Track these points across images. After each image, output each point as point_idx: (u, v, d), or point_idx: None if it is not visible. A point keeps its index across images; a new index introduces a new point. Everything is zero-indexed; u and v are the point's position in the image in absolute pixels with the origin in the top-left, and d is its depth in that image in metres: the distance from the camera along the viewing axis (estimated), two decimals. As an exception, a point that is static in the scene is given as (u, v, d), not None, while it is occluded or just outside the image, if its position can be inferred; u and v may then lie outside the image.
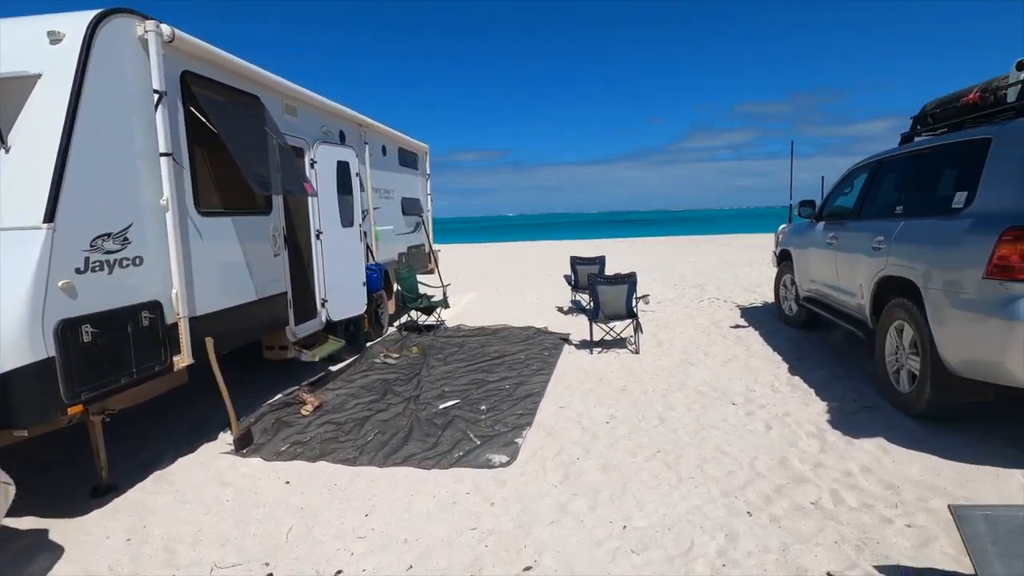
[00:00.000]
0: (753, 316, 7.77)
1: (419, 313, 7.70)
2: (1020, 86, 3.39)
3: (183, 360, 3.67)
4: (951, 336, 3.39)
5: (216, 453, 3.87)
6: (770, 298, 9.03)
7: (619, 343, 6.45)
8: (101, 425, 3.26)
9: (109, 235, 3.16)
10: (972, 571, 2.01)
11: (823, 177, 7.57)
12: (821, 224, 5.87)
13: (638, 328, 6.17)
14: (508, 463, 3.56)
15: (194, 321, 3.77)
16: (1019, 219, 2.99)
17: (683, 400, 4.55)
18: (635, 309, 6.19)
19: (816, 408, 4.24)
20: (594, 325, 6.29)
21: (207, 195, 4.08)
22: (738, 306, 8.57)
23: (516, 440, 3.91)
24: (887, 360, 4.23)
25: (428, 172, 9.71)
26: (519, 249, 23.80)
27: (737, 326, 7.22)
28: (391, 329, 7.82)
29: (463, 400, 4.79)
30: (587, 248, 22.09)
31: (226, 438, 4.06)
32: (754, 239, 24.50)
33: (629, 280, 6.03)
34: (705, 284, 10.92)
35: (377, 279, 6.72)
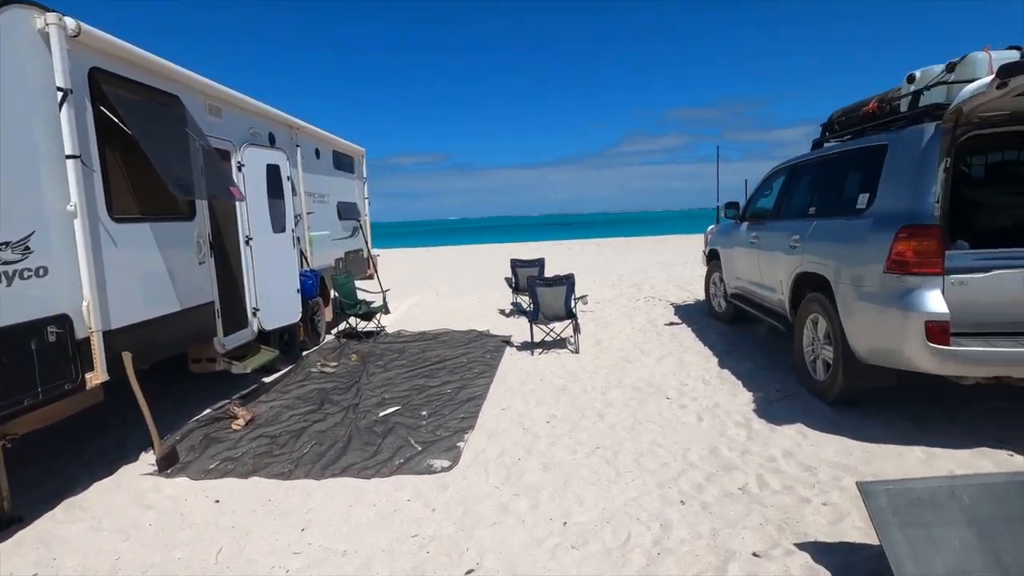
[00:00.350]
0: (686, 313, 8.10)
1: (358, 320, 7.53)
2: (911, 97, 3.73)
3: (97, 377, 3.42)
4: (858, 326, 3.67)
5: (137, 475, 3.63)
6: (702, 296, 9.45)
7: (559, 343, 6.56)
8: (1, 451, 2.98)
9: (7, 244, 2.91)
10: (878, 542, 2.19)
11: (747, 180, 8.02)
12: (745, 225, 6.20)
13: (577, 328, 6.30)
14: (450, 467, 3.55)
15: (109, 335, 3.52)
16: (912, 218, 3.28)
17: (621, 397, 4.68)
18: (574, 310, 6.31)
19: (743, 399, 4.48)
20: (534, 327, 6.37)
21: (122, 200, 3.83)
22: (672, 304, 8.91)
23: (458, 444, 3.89)
24: (805, 351, 4.52)
25: (365, 176, 9.52)
26: (461, 252, 23.73)
27: (671, 323, 7.50)
28: (329, 337, 7.60)
29: (404, 406, 4.73)
30: (528, 251, 22.33)
31: (148, 458, 3.82)
32: (686, 239, 25.56)
33: (567, 281, 6.15)
34: (641, 284, 11.29)
35: (312, 286, 6.52)
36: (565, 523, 2.86)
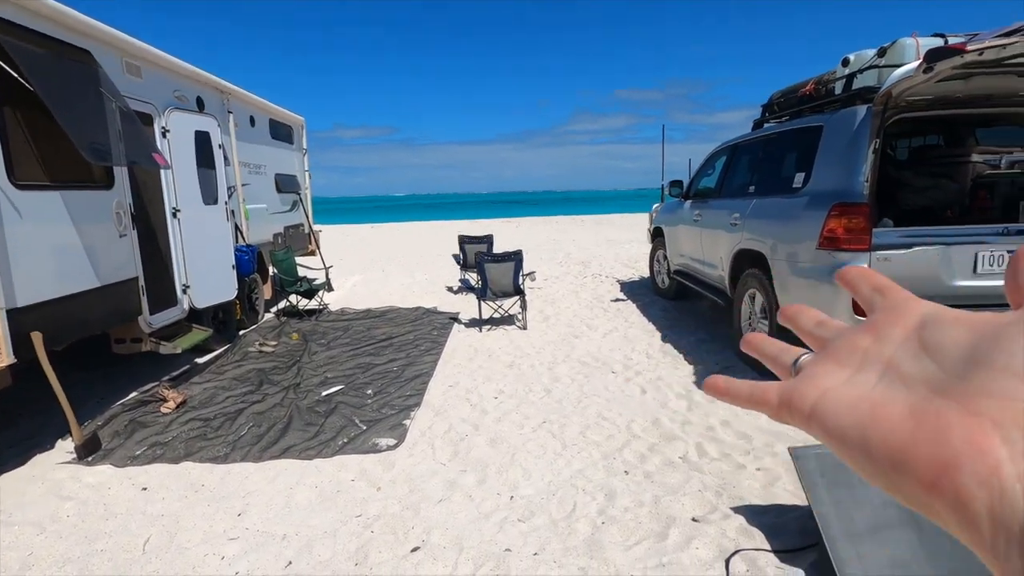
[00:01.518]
0: (632, 290, 8.27)
1: (299, 298, 7.25)
2: (845, 80, 3.86)
3: (1, 360, 3.13)
4: (792, 301, 3.83)
5: (53, 464, 3.37)
6: (647, 273, 9.67)
7: (508, 320, 6.56)
8: None
9: None
10: (807, 503, 2.31)
11: (690, 160, 8.21)
12: (688, 203, 6.35)
13: (525, 305, 6.31)
14: (396, 446, 3.49)
15: (14, 314, 3.21)
16: (843, 196, 3.43)
17: (568, 371, 4.74)
18: (522, 286, 6.31)
19: (684, 371, 4.62)
20: (483, 303, 6.33)
21: (26, 165, 3.47)
22: (619, 281, 9.07)
23: (404, 422, 3.83)
24: (742, 325, 4.70)
25: (305, 147, 9.09)
26: (409, 229, 23.27)
27: (617, 300, 7.64)
28: (268, 315, 7.29)
29: (348, 385, 4.60)
30: (477, 228, 22.15)
31: (66, 446, 3.55)
32: (633, 218, 26.08)
33: (515, 257, 6.13)
34: (589, 261, 11.44)
35: (249, 262, 6.20)
36: (512, 497, 2.87)
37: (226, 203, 5.73)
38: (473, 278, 8.70)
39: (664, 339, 5.60)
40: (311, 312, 7.24)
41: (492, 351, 5.42)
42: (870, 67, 3.68)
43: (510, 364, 5.00)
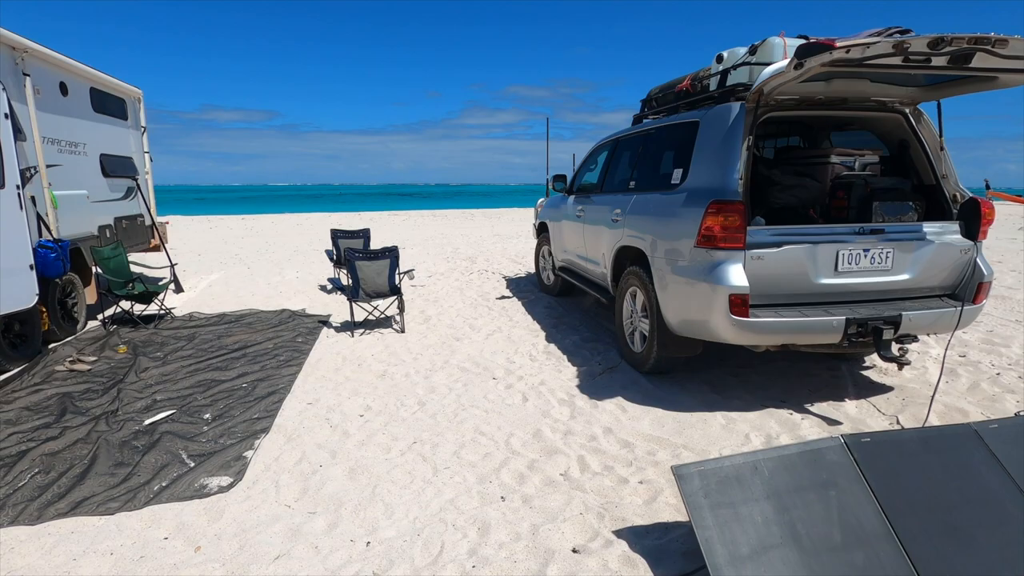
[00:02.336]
0: (517, 287, 8.06)
1: (132, 302, 6.14)
2: (720, 76, 3.83)
3: None
4: (671, 299, 3.75)
5: None
6: (533, 268, 9.56)
7: (384, 322, 6.01)
8: None
9: None
10: (689, 519, 2.11)
11: (574, 155, 8.16)
12: (572, 198, 6.21)
13: (402, 306, 5.80)
14: (231, 486, 2.87)
15: None
16: (719, 194, 3.36)
17: (445, 380, 4.34)
18: (399, 285, 5.79)
19: (568, 374, 4.43)
20: (355, 305, 5.73)
21: None
22: (505, 277, 8.84)
23: (245, 453, 3.21)
24: (624, 323, 4.60)
25: (143, 124, 7.77)
26: (286, 221, 21.47)
27: (503, 297, 7.38)
28: (94, 323, 6.09)
29: (181, 409, 3.84)
30: (360, 221, 21.02)
31: None
32: (522, 212, 26.30)
33: (390, 254, 5.60)
34: (476, 256, 11.12)
35: (57, 260, 5.06)
36: (368, 543, 2.42)
37: (19, 188, 4.59)
38: (345, 276, 7.99)
39: (548, 339, 5.40)
40: (149, 319, 6.16)
41: (363, 359, 4.87)
42: (743, 64, 3.66)
43: (382, 374, 4.49)
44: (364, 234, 7.70)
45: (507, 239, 14.34)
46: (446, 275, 9.05)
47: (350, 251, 5.46)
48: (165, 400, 4.01)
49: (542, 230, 7.57)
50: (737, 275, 3.25)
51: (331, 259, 7.74)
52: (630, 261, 4.52)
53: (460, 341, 5.39)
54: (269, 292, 7.76)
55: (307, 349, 5.14)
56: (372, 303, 5.86)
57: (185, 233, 16.71)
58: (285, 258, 11.15)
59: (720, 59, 3.95)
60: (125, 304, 6.20)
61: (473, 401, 3.91)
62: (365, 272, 5.52)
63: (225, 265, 10.28)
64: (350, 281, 5.67)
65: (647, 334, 4.17)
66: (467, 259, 10.79)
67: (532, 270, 9.41)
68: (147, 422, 3.64)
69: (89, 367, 4.74)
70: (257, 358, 4.91)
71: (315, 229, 17.84)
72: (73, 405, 3.93)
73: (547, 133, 7.92)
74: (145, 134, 7.79)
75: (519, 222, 20.45)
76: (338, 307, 6.81)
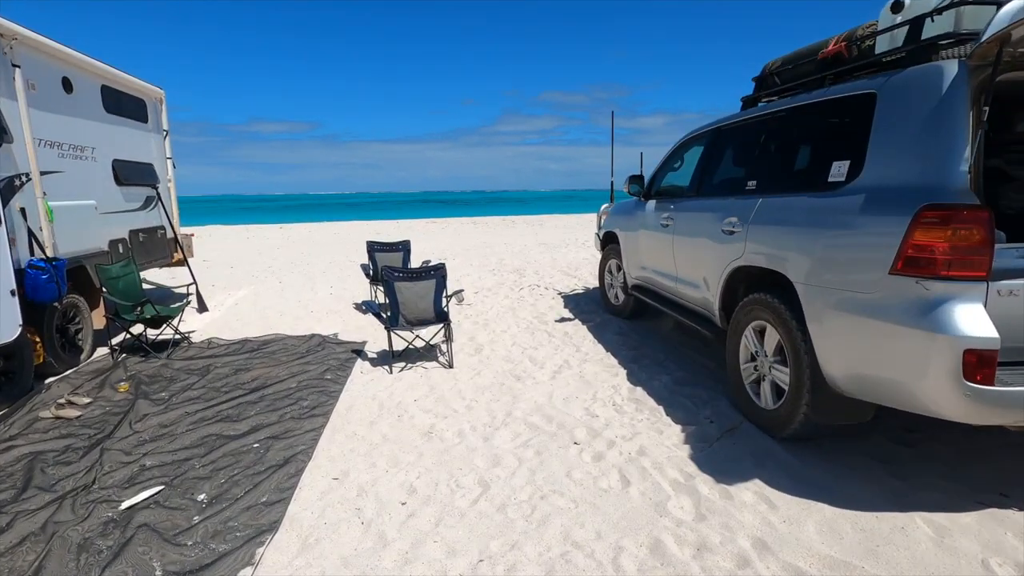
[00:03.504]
0: (577, 306, 7.00)
1: (146, 326, 5.37)
2: (908, 28, 2.70)
3: None
4: (838, 346, 2.63)
5: None
6: (591, 283, 8.48)
7: (428, 353, 5.05)
8: None
9: None
10: None
11: (642, 153, 7.06)
12: (652, 203, 5.13)
13: (450, 335, 4.82)
14: (212, 639, 1.92)
15: None
16: (935, 194, 2.24)
17: (511, 444, 3.31)
18: (446, 310, 4.82)
19: (672, 436, 3.34)
20: (393, 334, 4.79)
21: None
22: (561, 294, 7.79)
23: (241, 573, 2.25)
24: (742, 368, 3.49)
25: (166, 127, 7.09)
26: (323, 230, 21.00)
27: (563, 319, 6.33)
28: (103, 350, 5.36)
29: (171, 484, 2.94)
30: (398, 230, 20.36)
31: None
32: (564, 219, 25.20)
33: (436, 273, 4.63)
34: (524, 268, 10.11)
35: (50, 283, 4.30)
36: None
37: (-1, 197, 3.84)
38: (382, 296, 7.09)
39: (631, 379, 4.32)
40: (163, 346, 5.38)
41: (404, 406, 3.91)
42: (948, 5, 2.52)
43: (428, 431, 3.51)
44: (403, 247, 6.79)
45: (554, 248, 13.28)
46: (494, 291, 8.06)
47: (388, 270, 4.52)
48: (155, 467, 3.13)
49: (608, 241, 6.50)
50: (978, 320, 2.12)
51: (367, 275, 6.86)
52: (753, 286, 3.42)
53: (522, 381, 4.36)
54: (299, 312, 6.93)
55: (336, 391, 4.22)
56: (414, 331, 4.91)
57: (223, 243, 16.33)
58: (319, 271, 10.40)
59: (898, 7, 2.82)
60: (137, 329, 5.45)
61: (554, 482, 2.87)
62: (406, 295, 4.57)
63: (256, 279, 9.58)
64: (388, 306, 4.73)
65: (786, 387, 3.05)
66: (515, 271, 9.79)
67: (589, 284, 8.33)
68: (124, 505, 2.75)
69: (80, 412, 3.93)
70: (276, 403, 4.00)
71: (352, 238, 17.21)
72: (42, 473, 3.09)
73: (612, 130, 6.86)
74: (168, 138, 7.11)
75: (563, 229, 19.37)
76: (374, 331, 5.90)
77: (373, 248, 6.67)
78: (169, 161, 7.13)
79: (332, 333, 5.89)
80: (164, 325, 5.45)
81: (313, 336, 5.74)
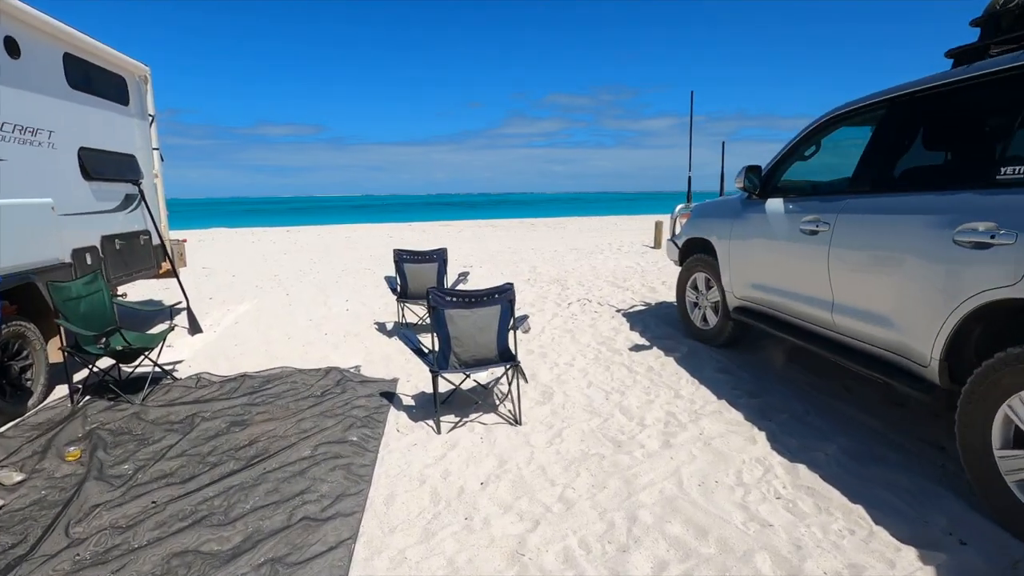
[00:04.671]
0: (646, 327, 5.75)
1: (117, 361, 4.18)
2: None
3: None
4: None
5: None
6: (649, 296, 7.24)
7: (483, 398, 3.82)
8: None
9: None
10: None
11: (723, 142, 5.83)
12: (778, 202, 3.89)
13: (519, 372, 3.58)
14: None
15: None
16: None
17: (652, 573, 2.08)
18: (512, 349, 3.57)
19: (884, 550, 2.09)
20: (441, 379, 3.54)
21: None
22: (619, 311, 6.54)
23: None
24: (1000, 458, 2.24)
25: (151, 112, 5.91)
26: (333, 234, 19.81)
27: (638, 347, 5.09)
28: (59, 393, 4.17)
29: None
30: (413, 233, 19.17)
31: None
32: (586, 222, 23.95)
33: (502, 298, 3.39)
34: (565, 279, 8.86)
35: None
36: None
37: None
38: (418, 315, 5.87)
39: (778, 448, 3.07)
40: (138, 383, 4.18)
41: (470, 498, 2.67)
42: None
43: (515, 554, 2.26)
44: (438, 256, 5.56)
45: (590, 255, 12.03)
46: (538, 307, 6.82)
47: (436, 295, 3.27)
48: (86, 629, 1.91)
49: (692, 250, 5.26)
50: None
51: (394, 290, 5.64)
52: (1012, 329, 2.18)
53: (624, 449, 3.12)
54: (310, 334, 5.73)
55: (367, 465, 2.99)
56: (471, 374, 3.66)
57: (226, 247, 15.18)
58: (331, 280, 9.20)
59: None
60: (107, 361, 4.25)
61: None
62: (461, 328, 3.33)
63: (260, 290, 8.38)
64: (433, 343, 3.49)
65: None
66: (555, 282, 8.55)
67: (648, 299, 7.09)
68: None
69: (2, 501, 2.73)
70: (282, 486, 2.78)
71: (364, 242, 16.03)
72: (-101, 640, 1.88)
73: (691, 110, 5.62)
74: (154, 125, 5.93)
75: (589, 233, 18.12)
76: (406, 362, 4.69)
77: (402, 258, 5.45)
78: (156, 152, 5.95)
79: (353, 366, 4.68)
80: (141, 356, 4.25)
81: (330, 371, 4.52)
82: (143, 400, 3.95)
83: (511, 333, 3.52)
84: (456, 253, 12.56)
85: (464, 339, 3.35)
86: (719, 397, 3.85)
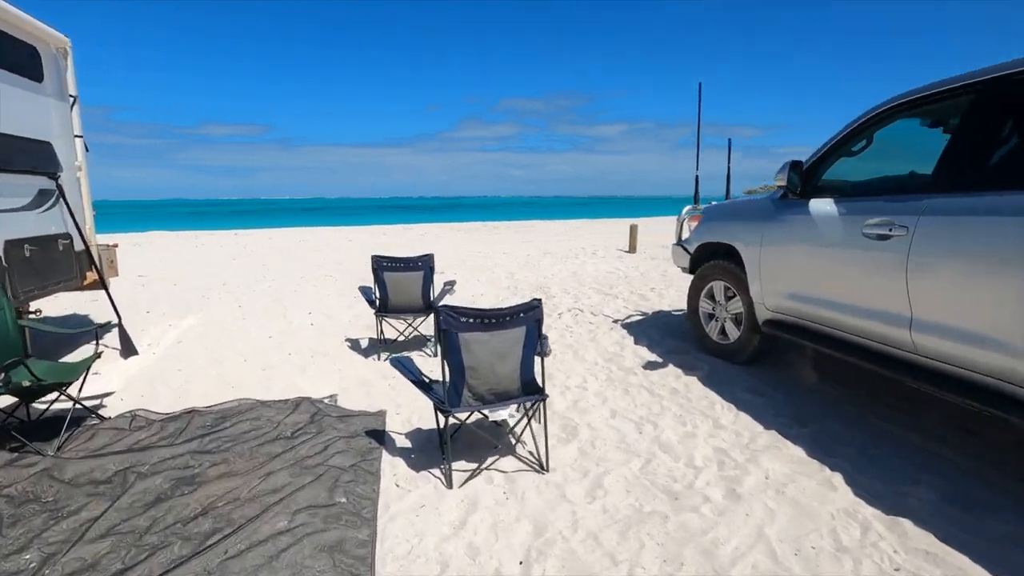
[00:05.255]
0: (652, 340, 5.23)
1: (22, 400, 3.27)
2: None
3: None
4: None
5: None
6: (642, 305, 6.76)
7: (496, 435, 3.17)
8: None
9: None
10: None
11: (729, 139, 5.42)
12: (827, 203, 3.43)
13: (543, 416, 2.95)
14: None
15: None
16: None
17: None
18: (539, 381, 2.92)
19: None
20: (452, 418, 2.87)
21: None
22: (615, 322, 6.01)
23: None
24: None
25: (73, 92, 4.94)
26: (286, 238, 18.52)
27: (650, 364, 4.56)
28: (-58, 441, 3.22)
29: None
30: (373, 236, 18.20)
31: None
32: (548, 226, 23.53)
33: (528, 316, 2.75)
34: (547, 286, 8.28)
35: None
36: None
37: None
38: (398, 337, 5.12)
39: (863, 495, 2.57)
40: (51, 427, 3.29)
41: (510, 587, 2.03)
42: None
43: None
44: (423, 263, 4.85)
45: (564, 259, 11.52)
46: (528, 319, 6.19)
47: (449, 315, 2.60)
48: None
49: (707, 256, 4.79)
50: None
51: (371, 303, 4.89)
52: None
53: (684, 503, 2.54)
54: (270, 354, 4.90)
55: (364, 547, 2.28)
56: (489, 413, 2.99)
57: (166, 253, 13.81)
58: (289, 289, 8.27)
59: None
60: (9, 400, 3.34)
61: None
62: (479, 355, 2.66)
63: (207, 301, 7.39)
64: (444, 375, 2.81)
65: None
66: (538, 289, 7.95)
67: (642, 307, 6.61)
68: None
69: None
70: (253, 581, 2.05)
71: (322, 246, 14.98)
72: None
73: (699, 101, 5.06)
74: (76, 107, 4.96)
75: (555, 236, 17.67)
76: (391, 388, 3.98)
77: (381, 265, 4.71)
78: (79, 140, 4.98)
79: (328, 395, 3.92)
80: (58, 392, 3.36)
81: (300, 403, 3.75)
82: (57, 450, 3.09)
83: (536, 360, 2.88)
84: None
85: (482, 369, 2.69)
86: (766, 427, 3.35)
